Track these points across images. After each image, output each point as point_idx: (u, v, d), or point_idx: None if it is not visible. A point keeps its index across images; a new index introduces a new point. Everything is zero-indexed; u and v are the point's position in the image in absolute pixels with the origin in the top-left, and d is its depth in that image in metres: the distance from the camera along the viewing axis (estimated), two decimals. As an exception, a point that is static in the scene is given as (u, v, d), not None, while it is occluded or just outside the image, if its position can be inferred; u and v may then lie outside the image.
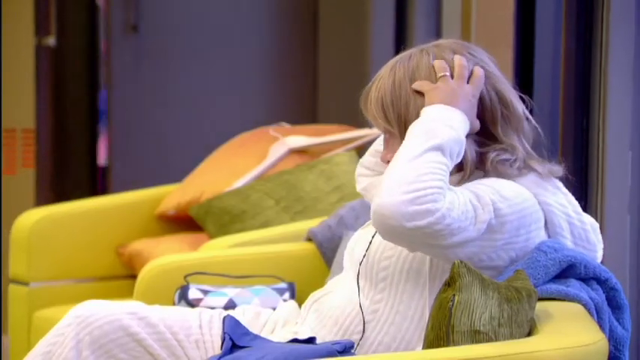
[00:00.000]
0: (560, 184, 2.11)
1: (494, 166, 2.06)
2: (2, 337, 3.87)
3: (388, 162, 2.04)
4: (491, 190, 2.01)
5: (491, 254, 2.01)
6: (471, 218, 1.97)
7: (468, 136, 2.04)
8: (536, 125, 2.13)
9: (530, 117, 2.11)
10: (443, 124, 1.99)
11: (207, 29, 4.48)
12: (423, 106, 2.03)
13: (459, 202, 1.96)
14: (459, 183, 2.06)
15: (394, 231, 1.95)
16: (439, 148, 1.98)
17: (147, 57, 4.45)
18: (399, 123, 2.05)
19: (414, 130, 2.01)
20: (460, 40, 2.12)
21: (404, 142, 2.01)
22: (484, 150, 2.07)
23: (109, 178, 4.41)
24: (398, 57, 2.10)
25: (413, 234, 1.94)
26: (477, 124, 2.05)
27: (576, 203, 2.11)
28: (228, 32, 4.49)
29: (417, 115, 2.03)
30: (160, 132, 4.50)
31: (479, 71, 2.05)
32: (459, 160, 2.02)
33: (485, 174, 2.07)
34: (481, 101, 2.05)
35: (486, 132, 2.06)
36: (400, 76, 2.07)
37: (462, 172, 2.07)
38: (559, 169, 2.10)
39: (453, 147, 1.99)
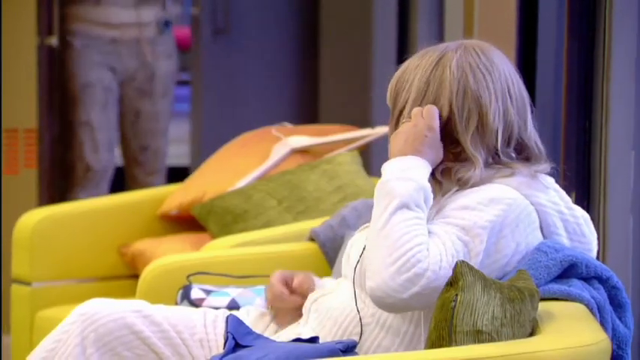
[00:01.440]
0: (551, 181, 2.10)
1: (457, 178, 2.05)
2: (2, 336, 3.87)
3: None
4: (477, 212, 2.00)
5: (499, 273, 2.01)
6: (464, 256, 1.97)
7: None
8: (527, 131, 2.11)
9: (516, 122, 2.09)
10: (399, 180, 2.00)
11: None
12: (406, 101, 2.06)
13: (447, 247, 1.97)
14: (437, 203, 2.06)
15: (396, 307, 1.97)
16: (403, 206, 1.98)
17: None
18: (393, 104, 2.10)
19: (376, 194, 2.02)
20: (481, 43, 2.11)
21: (374, 210, 2.02)
22: (445, 166, 2.06)
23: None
24: (430, 47, 2.12)
25: (416, 300, 1.95)
26: (440, 154, 2.05)
27: (568, 198, 2.11)
28: (227, 33, 4.49)
29: (402, 108, 2.06)
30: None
31: (428, 109, 2.05)
32: (430, 204, 2.02)
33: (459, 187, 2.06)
34: (457, 111, 2.05)
35: (452, 139, 2.06)
36: (411, 67, 2.09)
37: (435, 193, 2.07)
38: (545, 166, 2.09)
39: (417, 197, 1.99)
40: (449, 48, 2.09)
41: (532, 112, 2.11)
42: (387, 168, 2.04)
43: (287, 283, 2.20)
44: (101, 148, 4.15)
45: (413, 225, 1.97)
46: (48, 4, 4.26)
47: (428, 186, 2.02)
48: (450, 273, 1.93)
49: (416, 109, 2.07)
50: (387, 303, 1.97)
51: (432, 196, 2.03)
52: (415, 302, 1.96)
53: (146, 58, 4.15)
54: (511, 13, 3.25)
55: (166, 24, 4.14)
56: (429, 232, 2.00)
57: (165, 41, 4.19)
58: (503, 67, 2.09)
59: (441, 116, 2.06)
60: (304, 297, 2.18)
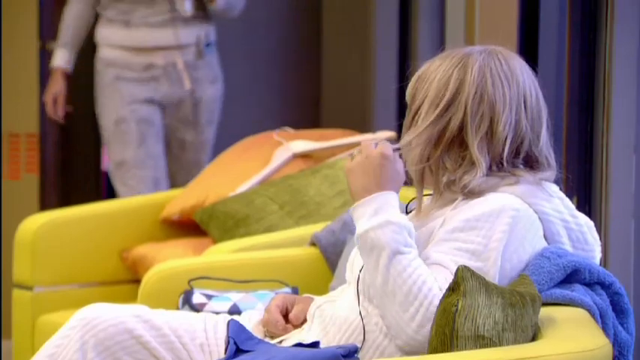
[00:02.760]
0: (555, 188, 2.10)
1: (460, 183, 2.04)
2: (2, 341, 3.87)
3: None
4: (485, 231, 1.99)
5: (504, 280, 2.01)
6: None
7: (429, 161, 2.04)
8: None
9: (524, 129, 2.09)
10: (378, 228, 1.99)
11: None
12: (423, 101, 2.06)
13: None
14: (436, 207, 2.06)
15: (422, 345, 1.96)
16: (395, 254, 1.97)
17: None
18: (411, 101, 2.10)
19: (360, 249, 2.01)
20: (507, 51, 2.10)
21: (365, 266, 2.01)
22: (449, 178, 2.06)
23: (104, 183, 4.42)
24: (456, 49, 2.11)
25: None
26: (401, 167, 2.04)
27: (572, 206, 2.11)
28: (229, 37, 4.50)
29: (419, 107, 2.06)
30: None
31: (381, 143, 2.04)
32: (412, 232, 2.00)
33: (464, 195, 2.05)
34: (470, 114, 2.05)
35: (461, 141, 2.06)
36: (433, 67, 2.10)
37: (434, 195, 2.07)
38: (551, 174, 2.09)
39: (402, 238, 1.98)
40: (473, 51, 2.09)
41: (548, 127, 2.11)
42: (357, 215, 2.02)
43: (287, 309, 2.20)
44: (142, 187, 3.72)
45: (413, 270, 1.97)
46: (49, 9, 4.27)
47: (405, 221, 2.00)
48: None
49: (364, 142, 2.07)
50: (421, 350, 1.97)
51: (412, 227, 2.01)
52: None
53: (186, 85, 3.77)
54: (512, 18, 3.26)
55: (208, 45, 3.78)
56: (435, 262, 1.99)
57: (207, 64, 3.84)
58: (524, 78, 2.08)
59: (450, 119, 2.06)
60: (297, 327, 2.18)
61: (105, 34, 3.76)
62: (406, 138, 2.07)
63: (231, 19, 3.89)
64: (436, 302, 1.93)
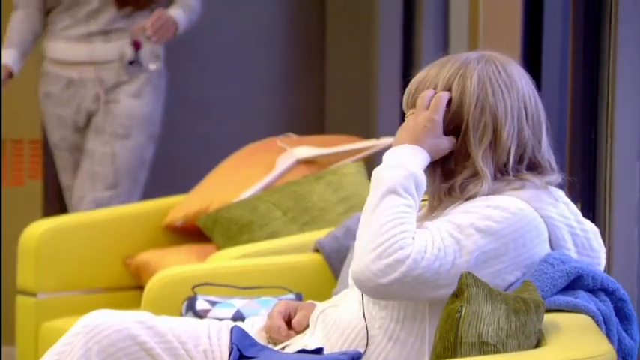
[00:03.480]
0: (561, 194, 2.10)
1: (464, 191, 2.04)
2: (2, 347, 3.87)
3: None
4: (479, 215, 1.99)
5: (496, 280, 2.00)
6: (453, 252, 1.96)
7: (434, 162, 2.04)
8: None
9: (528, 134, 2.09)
10: (391, 168, 2.01)
11: (212, 42, 4.50)
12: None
13: (434, 240, 1.96)
14: (431, 212, 2.07)
15: (375, 292, 1.97)
16: (391, 192, 1.98)
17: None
18: (409, 109, 2.09)
19: (371, 182, 2.03)
20: (503, 57, 2.09)
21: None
22: (451, 184, 2.05)
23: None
24: (453, 55, 2.11)
25: (396, 287, 1.94)
26: (445, 144, 2.04)
27: (577, 212, 2.11)
28: (234, 44, 4.50)
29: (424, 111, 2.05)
30: (164, 143, 4.51)
31: (440, 95, 2.04)
32: (423, 192, 2.01)
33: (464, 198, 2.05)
34: (472, 125, 2.05)
35: (464, 152, 2.06)
36: (431, 74, 2.09)
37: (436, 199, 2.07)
38: (556, 178, 2.09)
39: (406, 184, 1.99)
40: (470, 58, 2.08)
41: (548, 130, 2.10)
42: (384, 158, 2.05)
43: (289, 315, 2.20)
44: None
45: (400, 212, 1.97)
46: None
47: (419, 173, 2.01)
48: (432, 265, 1.94)
49: (420, 98, 2.06)
50: (367, 287, 1.97)
51: (424, 183, 2.02)
52: (395, 289, 1.95)
53: (99, 103, 3.61)
54: (516, 24, 3.26)
55: (131, 63, 3.58)
56: (424, 226, 2.00)
57: (133, 80, 3.64)
58: (522, 83, 2.08)
59: (455, 122, 2.05)
60: (300, 333, 2.18)
61: (47, 46, 3.71)
62: None
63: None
64: (404, 247, 1.93)
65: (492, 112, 2.04)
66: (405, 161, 2.01)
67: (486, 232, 1.98)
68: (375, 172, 2.03)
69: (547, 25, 3.13)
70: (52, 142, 3.69)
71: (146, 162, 3.71)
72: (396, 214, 1.97)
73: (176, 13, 3.66)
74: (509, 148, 2.04)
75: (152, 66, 3.54)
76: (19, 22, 3.66)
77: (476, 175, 2.05)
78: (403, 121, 2.11)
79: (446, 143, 2.05)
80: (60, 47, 3.57)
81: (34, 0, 3.63)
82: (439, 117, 2.05)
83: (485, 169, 2.03)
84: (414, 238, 1.96)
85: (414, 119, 2.05)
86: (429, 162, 2.04)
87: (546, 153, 2.09)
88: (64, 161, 3.67)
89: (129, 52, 3.55)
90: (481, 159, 2.03)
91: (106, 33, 3.55)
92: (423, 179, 2.02)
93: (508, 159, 2.05)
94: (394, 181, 1.99)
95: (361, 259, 1.96)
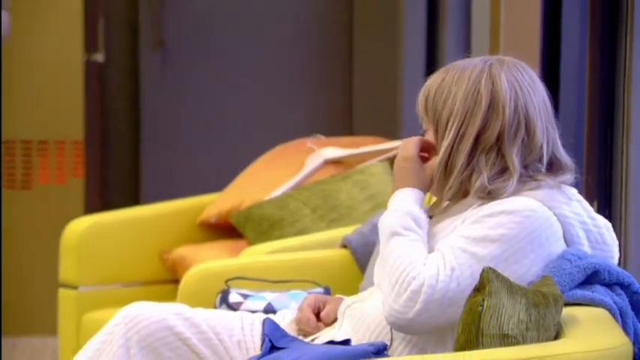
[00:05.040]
0: (574, 192, 2.09)
1: (490, 188, 2.03)
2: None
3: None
4: (491, 224, 1.98)
5: (518, 280, 1.99)
6: (469, 267, 1.96)
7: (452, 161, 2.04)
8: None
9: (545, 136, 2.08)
10: (388, 214, 2.05)
11: (242, 44, 4.51)
12: (452, 111, 2.04)
13: (446, 261, 1.96)
14: (456, 208, 2.07)
15: (410, 328, 1.98)
16: (393, 234, 2.01)
17: (175, 70, 4.47)
18: (433, 118, 2.07)
19: (379, 230, 2.07)
20: (515, 59, 2.09)
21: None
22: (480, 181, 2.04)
23: (142, 188, 4.44)
24: (460, 61, 2.10)
25: (426, 318, 1.95)
26: (427, 172, 2.06)
27: (590, 208, 2.09)
28: (263, 47, 4.51)
29: (448, 117, 2.05)
30: (197, 143, 4.52)
31: (404, 142, 2.10)
32: (423, 223, 2.03)
33: (485, 197, 2.04)
34: (507, 123, 2.04)
35: (497, 150, 2.05)
36: (448, 79, 2.07)
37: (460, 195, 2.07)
38: (570, 177, 2.07)
39: (404, 222, 2.02)
40: (488, 62, 2.07)
41: (558, 128, 2.10)
42: (389, 204, 2.09)
43: (318, 308, 2.21)
44: None
45: (404, 249, 1.99)
46: (93, 23, 4.30)
47: (414, 209, 2.03)
48: (449, 286, 1.93)
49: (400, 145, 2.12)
50: (401, 326, 1.98)
51: (422, 216, 2.04)
52: (425, 319, 1.95)
53: None
54: (535, 28, 3.25)
55: None
56: (437, 249, 2.00)
57: None
58: (540, 84, 2.08)
59: (488, 129, 2.04)
60: (328, 326, 2.18)
61: None
62: (443, 151, 2.06)
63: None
64: (415, 277, 1.94)
65: (524, 111, 2.04)
66: (399, 204, 2.04)
67: (501, 241, 1.98)
68: (379, 221, 2.07)
69: (565, 27, 3.11)
70: None
71: None
72: (401, 251, 1.99)
73: None
74: (542, 145, 2.04)
75: None
76: None
77: (504, 171, 2.04)
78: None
79: (428, 172, 2.08)
80: None
81: None
82: (412, 152, 2.08)
83: (518, 165, 2.02)
84: (425, 264, 1.96)
85: (396, 164, 2.10)
86: (422, 195, 2.07)
87: (562, 150, 2.09)
88: None
89: None
90: (515, 156, 2.02)
91: None
92: (419, 213, 2.04)
93: (540, 155, 2.04)
94: (393, 223, 2.02)
95: (386, 303, 1.98)
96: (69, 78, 4.16)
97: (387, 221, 2.03)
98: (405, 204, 2.04)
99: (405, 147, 2.09)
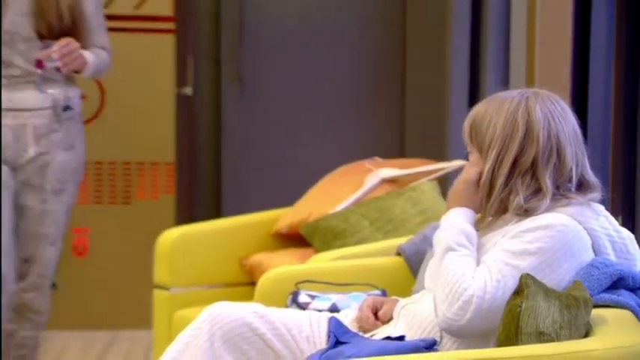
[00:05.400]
0: (601, 208, 2.07)
1: (526, 207, 2.02)
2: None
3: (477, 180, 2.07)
4: (529, 238, 1.97)
5: (557, 287, 1.98)
6: (512, 277, 1.94)
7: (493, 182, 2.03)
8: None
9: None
10: (444, 230, 2.04)
11: (309, 77, 4.52)
12: (492, 138, 2.03)
13: (492, 273, 1.95)
14: (497, 224, 2.05)
15: (461, 333, 1.97)
16: (448, 249, 2.01)
17: (251, 101, 4.49)
18: (477, 143, 2.07)
19: (433, 244, 2.07)
20: (549, 92, 2.08)
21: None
22: (513, 194, 2.03)
23: (224, 203, 4.46)
24: (501, 93, 2.11)
25: (475, 323, 1.94)
26: (477, 197, 2.06)
27: (615, 222, 2.08)
28: (327, 80, 4.52)
29: (489, 143, 2.03)
30: (270, 165, 4.54)
31: (466, 167, 2.09)
32: (474, 239, 2.02)
33: (521, 214, 2.03)
34: (541, 152, 2.03)
35: (532, 173, 2.03)
36: (490, 109, 2.07)
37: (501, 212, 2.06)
38: (597, 195, 2.06)
39: (458, 239, 2.01)
40: (525, 95, 2.07)
41: (587, 152, 2.09)
42: (441, 222, 2.09)
43: (376, 308, 2.20)
44: None
45: (457, 263, 1.98)
46: (183, 61, 4.35)
47: (467, 227, 2.03)
48: (496, 295, 1.93)
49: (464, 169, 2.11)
50: (453, 331, 1.98)
51: (474, 232, 2.03)
52: (475, 325, 1.95)
53: (30, 152, 2.79)
54: (566, 64, 3.22)
55: (66, 109, 2.81)
56: (483, 262, 1.99)
57: (63, 129, 2.84)
58: (570, 114, 2.07)
59: (524, 155, 2.03)
60: (385, 324, 2.17)
61: None
62: (485, 173, 2.05)
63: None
64: (466, 288, 1.93)
65: (556, 139, 2.03)
66: (454, 222, 2.04)
67: (539, 254, 1.97)
68: (435, 235, 2.07)
69: (593, 63, 3.08)
70: None
71: (72, 206, 2.98)
72: (454, 266, 1.98)
73: (85, 52, 2.88)
74: (571, 168, 2.03)
75: (50, 90, 2.75)
76: None
77: (538, 191, 2.03)
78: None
79: (477, 196, 2.07)
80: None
81: None
82: (472, 177, 2.07)
83: (550, 186, 2.01)
84: (473, 277, 1.96)
85: (456, 185, 2.10)
86: (474, 215, 2.06)
87: (590, 172, 2.07)
88: None
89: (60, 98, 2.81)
90: (547, 178, 2.01)
91: (31, 80, 2.79)
92: (471, 230, 2.04)
93: (570, 177, 2.03)
94: (448, 239, 2.02)
95: (440, 311, 1.98)
96: (163, 108, 4.21)
97: (442, 237, 2.03)
98: (459, 222, 2.03)
99: (468, 171, 2.09)
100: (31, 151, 2.75)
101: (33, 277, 2.80)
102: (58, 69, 2.72)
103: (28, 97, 2.72)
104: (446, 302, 1.95)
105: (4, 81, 2.68)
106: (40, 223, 2.80)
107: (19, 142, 2.74)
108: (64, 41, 2.75)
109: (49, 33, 2.71)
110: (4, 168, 2.71)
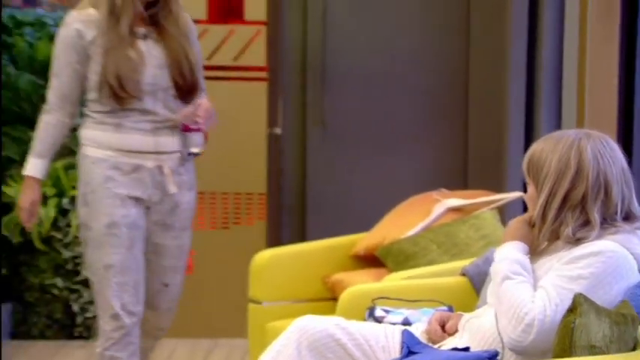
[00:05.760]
0: None
1: (574, 237, 2.00)
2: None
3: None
4: (583, 264, 1.95)
5: (605, 304, 1.95)
6: (569, 299, 1.92)
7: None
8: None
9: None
10: (500, 261, 2.03)
11: (382, 121, 4.53)
12: (547, 174, 2.02)
13: (550, 297, 1.94)
14: (550, 250, 2.03)
15: (525, 352, 1.95)
16: (505, 278, 2.00)
17: (332, 141, 4.52)
18: (533, 177, 2.06)
19: (491, 273, 2.06)
20: (600, 134, 2.07)
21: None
22: (564, 225, 2.01)
23: (308, 228, 4.48)
24: (557, 132, 2.10)
25: (537, 342, 1.93)
26: (528, 231, 2.06)
27: None
28: (397, 122, 4.52)
29: (544, 178, 2.02)
30: (347, 194, 4.55)
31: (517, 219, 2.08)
32: (529, 268, 2.00)
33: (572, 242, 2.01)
34: (590, 187, 2.01)
35: (582, 207, 2.01)
36: (547, 147, 2.06)
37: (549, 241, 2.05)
38: None
39: (513, 268, 2.00)
40: (578, 135, 2.05)
41: (634, 187, 2.06)
42: (496, 254, 2.08)
43: (444, 322, 2.20)
44: (129, 294, 2.69)
45: (515, 289, 1.97)
46: (274, 105, 4.39)
47: (521, 257, 2.02)
48: (555, 318, 1.91)
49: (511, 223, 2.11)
50: (519, 350, 1.96)
51: (527, 262, 2.02)
52: (537, 345, 1.93)
53: (170, 189, 2.72)
54: (612, 106, 3.17)
55: (190, 154, 2.74)
56: (541, 286, 1.97)
57: (187, 171, 2.77)
58: (619, 153, 2.05)
59: (575, 191, 2.02)
60: (451, 336, 2.16)
61: (92, 135, 2.70)
62: (539, 205, 2.04)
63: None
64: (528, 312, 1.92)
65: (604, 177, 2.01)
66: (508, 254, 2.04)
67: (592, 278, 1.96)
68: (492, 267, 2.06)
69: (637, 103, 3.03)
70: (109, 221, 2.67)
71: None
72: (513, 292, 1.97)
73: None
74: (617, 203, 2.01)
75: (195, 150, 2.73)
76: (51, 129, 2.71)
77: (587, 223, 2.00)
78: (525, 181, 2.10)
79: (528, 230, 2.07)
80: (128, 138, 2.69)
81: (67, 106, 2.71)
82: (524, 218, 2.07)
83: (598, 219, 2.00)
84: (533, 301, 1.94)
85: (511, 224, 2.09)
86: (526, 248, 2.05)
87: (636, 205, 2.04)
88: (120, 240, 2.67)
89: (190, 141, 2.74)
90: (595, 212, 2.00)
91: (169, 126, 2.72)
92: (525, 259, 2.02)
93: (616, 211, 2.01)
94: (505, 269, 2.01)
95: (505, 333, 1.97)
96: (256, 146, 4.25)
97: (498, 268, 2.02)
98: (513, 253, 2.03)
99: (524, 216, 2.09)
100: (170, 190, 2.72)
101: (166, 304, 2.82)
102: (199, 129, 2.72)
103: (166, 141, 2.72)
104: (510, 326, 1.94)
105: (148, 126, 2.69)
106: (172, 258, 2.78)
107: (158, 182, 2.72)
108: (204, 104, 2.73)
109: (183, 82, 2.72)
110: (139, 209, 2.70)
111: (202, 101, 2.75)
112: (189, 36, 2.75)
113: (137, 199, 2.71)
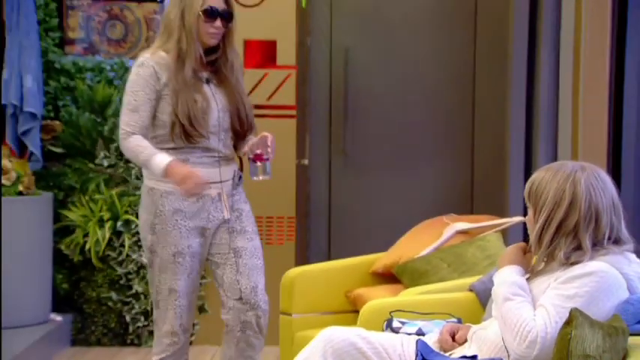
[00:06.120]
0: (633, 257, 2.03)
1: (568, 261, 2.00)
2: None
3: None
4: (578, 284, 1.95)
5: (598, 318, 1.93)
6: (566, 316, 1.90)
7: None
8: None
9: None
10: (499, 285, 2.02)
11: (396, 150, 4.53)
12: (544, 202, 2.01)
13: (550, 316, 1.93)
14: (546, 271, 2.02)
15: (519, 357, 1.94)
16: (506, 300, 1.99)
17: (353, 169, 4.52)
18: (533, 203, 2.06)
19: (492, 295, 2.05)
20: (594, 167, 2.07)
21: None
22: (558, 248, 2.00)
23: (332, 249, 4.47)
24: (556, 163, 2.10)
25: (540, 357, 1.91)
26: (522, 257, 2.05)
27: None
28: (411, 153, 4.52)
29: (542, 206, 2.01)
30: (367, 218, 4.55)
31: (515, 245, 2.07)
32: (527, 288, 1.99)
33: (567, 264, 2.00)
34: (583, 217, 2.00)
35: (574, 234, 2.00)
36: (546, 177, 2.06)
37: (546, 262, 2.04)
38: (630, 247, 2.03)
39: (512, 290, 1.99)
40: (575, 168, 2.05)
41: (623, 216, 2.05)
42: (495, 278, 2.07)
43: (454, 332, 2.19)
44: (186, 315, 2.73)
45: (516, 309, 1.96)
46: (302, 138, 4.42)
47: (518, 279, 2.01)
48: (555, 334, 1.89)
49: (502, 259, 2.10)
50: None
51: (525, 283, 2.01)
52: (541, 356, 1.93)
53: (225, 214, 2.72)
54: (603, 139, 3.16)
55: (240, 178, 2.79)
56: (540, 304, 1.97)
57: (239, 192, 2.78)
58: (610, 185, 2.04)
59: (568, 220, 2.01)
60: (460, 345, 2.15)
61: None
62: (536, 230, 2.04)
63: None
64: (530, 330, 1.90)
65: (596, 208, 2.01)
66: (507, 277, 2.03)
67: (587, 296, 1.95)
68: (493, 290, 2.05)
69: (625, 139, 3.02)
70: (176, 251, 2.68)
71: None
72: (514, 312, 1.96)
73: None
74: (605, 232, 2.00)
75: (261, 177, 2.76)
76: (142, 140, 2.65)
77: (579, 248, 2.00)
78: (526, 207, 2.10)
79: (527, 258, 2.06)
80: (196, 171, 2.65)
81: (145, 133, 2.67)
82: (519, 246, 2.07)
83: (589, 245, 1.99)
84: (534, 319, 1.93)
85: (507, 249, 2.09)
86: (522, 271, 2.03)
87: (624, 230, 2.03)
88: (183, 267, 2.68)
89: (257, 170, 2.74)
90: (587, 239, 1.99)
91: (226, 159, 2.75)
92: (522, 281, 2.01)
93: (605, 237, 2.00)
94: (504, 292, 2.00)
95: (511, 349, 1.96)
96: (286, 175, 4.27)
97: (499, 290, 2.01)
98: (510, 276, 2.02)
99: (518, 244, 2.09)
100: (225, 216, 2.72)
101: (264, 305, 2.80)
102: (267, 159, 2.74)
103: (225, 170, 2.73)
104: (514, 342, 1.93)
105: (210, 161, 2.70)
106: (253, 257, 2.77)
107: (216, 206, 2.71)
108: (270, 137, 2.74)
109: (241, 125, 2.74)
110: (201, 239, 2.70)
111: (268, 135, 2.75)
112: (241, 81, 2.75)
113: (202, 228, 2.72)
